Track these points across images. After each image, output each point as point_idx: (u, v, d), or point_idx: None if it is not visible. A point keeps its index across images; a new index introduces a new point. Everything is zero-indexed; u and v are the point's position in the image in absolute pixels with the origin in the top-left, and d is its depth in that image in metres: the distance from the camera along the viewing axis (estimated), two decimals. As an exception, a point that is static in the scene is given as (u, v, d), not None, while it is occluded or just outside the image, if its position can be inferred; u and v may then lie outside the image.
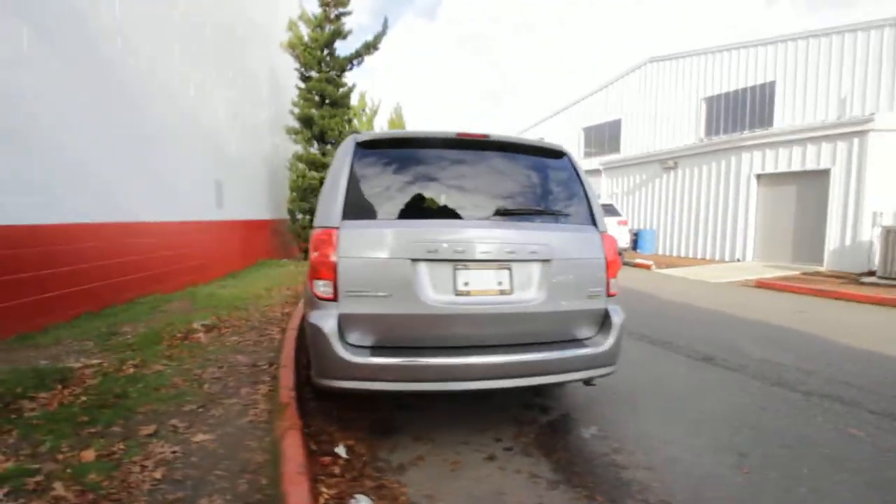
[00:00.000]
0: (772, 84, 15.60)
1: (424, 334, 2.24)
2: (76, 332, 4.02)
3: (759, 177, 12.28)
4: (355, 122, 11.52)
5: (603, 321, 2.48)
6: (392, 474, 2.10)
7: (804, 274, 9.79)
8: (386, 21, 10.63)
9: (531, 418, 2.73)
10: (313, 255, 2.26)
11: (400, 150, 2.49)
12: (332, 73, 10.16)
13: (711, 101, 17.57)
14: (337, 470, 2.07)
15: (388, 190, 2.39)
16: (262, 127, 9.88)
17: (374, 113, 20.68)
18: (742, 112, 16.70)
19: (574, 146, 23.39)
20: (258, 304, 5.62)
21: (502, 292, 2.29)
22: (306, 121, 9.93)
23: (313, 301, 2.25)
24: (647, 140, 19.49)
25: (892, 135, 9.61)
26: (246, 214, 8.85)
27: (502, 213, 2.38)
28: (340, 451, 2.24)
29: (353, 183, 2.33)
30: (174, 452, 2.11)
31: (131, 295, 5.29)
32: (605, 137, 22.19)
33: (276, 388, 2.89)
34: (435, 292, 2.21)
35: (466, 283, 2.25)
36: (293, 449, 2.04)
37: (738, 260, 12.51)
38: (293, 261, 10.00)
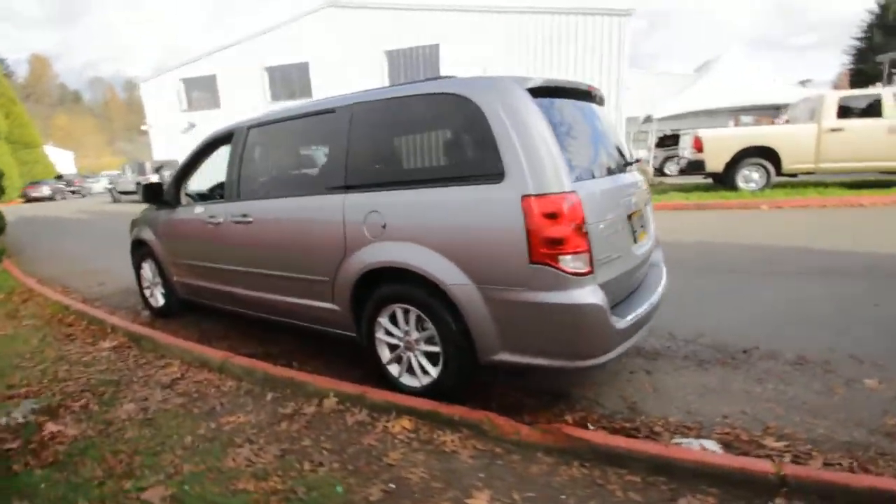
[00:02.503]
0: (437, 46, 18.90)
1: (628, 285, 2.31)
2: None
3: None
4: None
5: None
6: (638, 415, 2.21)
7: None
8: None
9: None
10: (548, 226, 1.87)
11: (557, 99, 2.23)
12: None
13: (392, 55, 19.63)
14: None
15: (571, 143, 2.15)
16: None
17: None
18: (417, 67, 19.55)
19: (257, 88, 21.36)
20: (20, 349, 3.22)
21: (643, 235, 2.58)
22: None
23: (557, 279, 1.89)
24: (339, 87, 19.95)
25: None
26: None
27: (628, 165, 2.60)
28: (591, 427, 2.12)
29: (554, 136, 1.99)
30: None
31: None
32: (293, 80, 21.23)
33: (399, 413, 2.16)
34: (632, 244, 2.30)
35: (634, 231, 2.42)
36: (602, 436, 1.84)
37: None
38: None
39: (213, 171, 3.65)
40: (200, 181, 3.87)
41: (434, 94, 2.21)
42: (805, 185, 9.55)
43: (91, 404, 2.52)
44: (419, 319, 2.31)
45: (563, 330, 1.93)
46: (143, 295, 4.28)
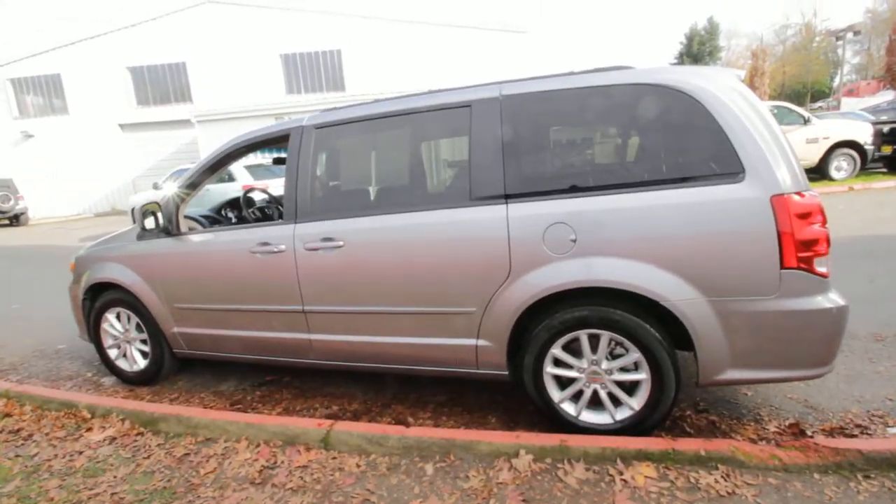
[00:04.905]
0: (339, 52, 18.02)
1: None
2: None
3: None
4: None
5: None
6: (825, 413, 2.19)
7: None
8: None
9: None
10: (804, 227, 1.73)
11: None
12: None
13: (288, 59, 18.19)
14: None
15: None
16: None
17: None
18: (318, 73, 18.41)
19: (120, 91, 18.15)
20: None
21: None
22: None
23: (811, 283, 1.76)
24: (228, 91, 17.89)
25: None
26: None
27: None
28: (810, 434, 2.02)
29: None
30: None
31: None
32: (166, 83, 18.42)
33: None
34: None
35: None
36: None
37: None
38: None
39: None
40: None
41: (627, 84, 1.93)
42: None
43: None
44: (610, 345, 2.00)
45: (815, 337, 1.80)
46: (104, 357, 3.14)
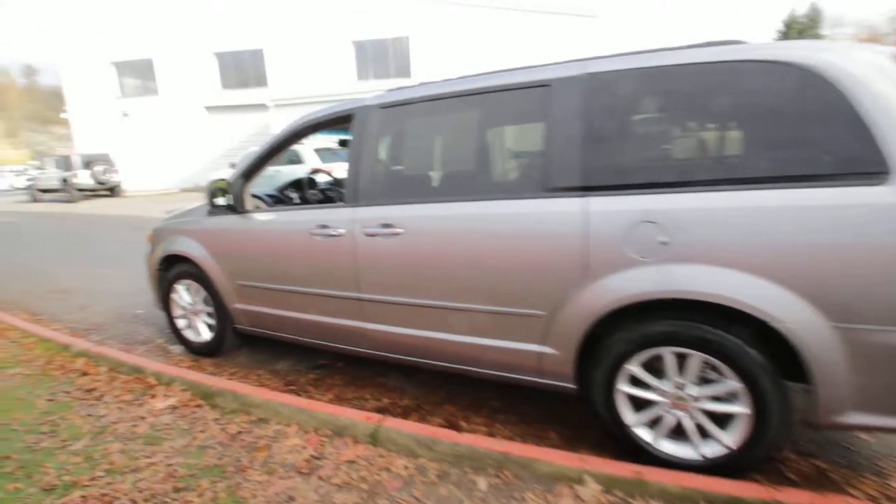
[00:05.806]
0: (407, 38, 18.05)
1: None
2: None
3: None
4: None
5: None
6: None
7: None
8: None
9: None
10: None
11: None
12: None
13: (360, 46, 18.49)
14: None
15: None
16: None
17: None
18: (387, 60, 18.58)
19: (206, 75, 19.38)
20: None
21: None
22: None
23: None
24: (300, 77, 18.54)
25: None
26: None
27: None
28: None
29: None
30: None
31: None
32: (247, 69, 19.44)
33: None
34: None
35: None
36: None
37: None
38: None
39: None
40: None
41: (739, 61, 1.61)
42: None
43: (211, 516, 1.66)
44: (702, 368, 1.72)
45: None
46: (173, 326, 3.28)
